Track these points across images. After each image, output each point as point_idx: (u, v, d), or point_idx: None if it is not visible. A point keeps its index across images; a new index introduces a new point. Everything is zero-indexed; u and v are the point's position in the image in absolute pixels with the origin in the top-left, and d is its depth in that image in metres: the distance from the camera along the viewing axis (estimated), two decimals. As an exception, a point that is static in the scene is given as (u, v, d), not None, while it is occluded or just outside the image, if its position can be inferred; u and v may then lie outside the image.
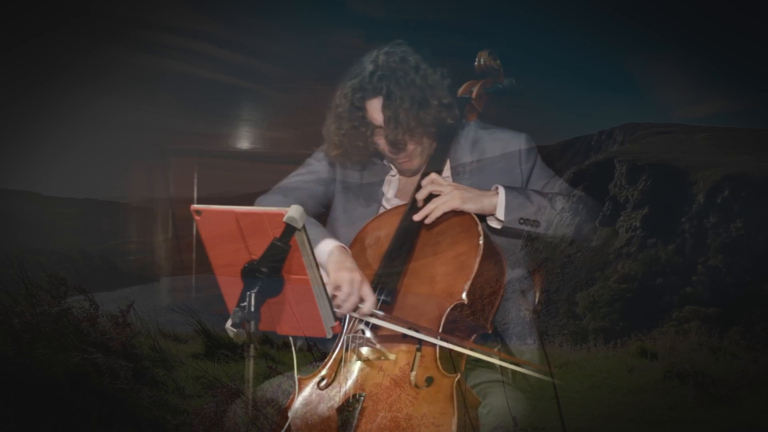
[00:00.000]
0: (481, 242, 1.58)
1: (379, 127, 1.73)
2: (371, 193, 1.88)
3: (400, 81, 1.69)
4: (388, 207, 1.87)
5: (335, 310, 1.34)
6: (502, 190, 1.68)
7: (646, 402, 4.54)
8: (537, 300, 1.59)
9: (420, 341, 1.51)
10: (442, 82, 1.75)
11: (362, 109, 1.74)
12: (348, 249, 1.66)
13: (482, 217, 1.68)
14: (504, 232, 1.69)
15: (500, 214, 1.66)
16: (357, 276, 1.52)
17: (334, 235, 1.83)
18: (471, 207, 1.66)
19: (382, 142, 1.77)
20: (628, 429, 4.00)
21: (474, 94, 1.87)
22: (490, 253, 1.61)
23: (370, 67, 1.73)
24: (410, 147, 1.75)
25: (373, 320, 1.54)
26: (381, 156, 1.88)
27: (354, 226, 1.83)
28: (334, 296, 1.50)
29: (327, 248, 1.60)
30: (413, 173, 1.84)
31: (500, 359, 1.54)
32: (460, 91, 1.89)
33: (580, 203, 1.70)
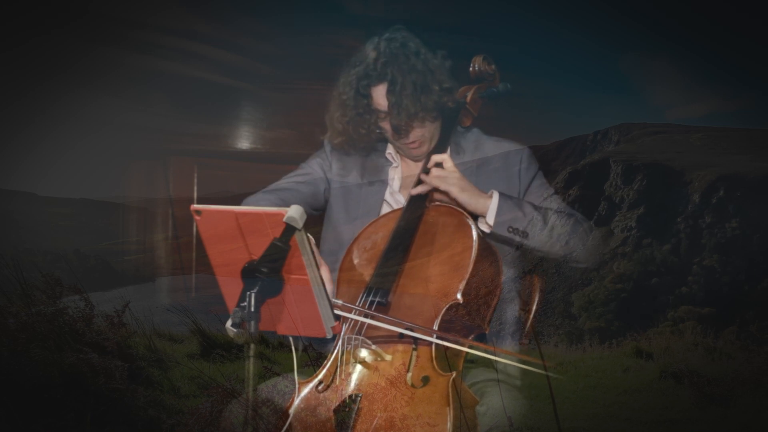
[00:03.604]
0: (475, 242, 1.58)
1: (384, 112, 1.75)
2: (373, 192, 1.89)
3: (402, 66, 1.71)
4: (392, 201, 1.88)
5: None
6: (496, 195, 1.67)
7: (642, 402, 4.54)
8: (536, 304, 1.58)
9: (416, 341, 1.51)
10: (443, 65, 1.77)
11: (367, 96, 1.76)
12: None
13: (475, 218, 1.68)
14: (493, 237, 1.68)
15: (490, 218, 1.65)
16: None
17: (337, 235, 1.82)
18: (465, 198, 1.66)
19: (387, 128, 1.79)
20: (624, 429, 4.00)
21: (469, 99, 1.87)
22: (486, 253, 1.61)
23: (372, 54, 1.75)
24: (416, 132, 1.77)
25: (369, 321, 1.53)
26: (386, 142, 1.89)
27: (355, 224, 1.83)
28: None
29: None
30: (421, 158, 1.85)
31: (497, 356, 1.53)
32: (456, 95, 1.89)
33: (574, 223, 1.70)
